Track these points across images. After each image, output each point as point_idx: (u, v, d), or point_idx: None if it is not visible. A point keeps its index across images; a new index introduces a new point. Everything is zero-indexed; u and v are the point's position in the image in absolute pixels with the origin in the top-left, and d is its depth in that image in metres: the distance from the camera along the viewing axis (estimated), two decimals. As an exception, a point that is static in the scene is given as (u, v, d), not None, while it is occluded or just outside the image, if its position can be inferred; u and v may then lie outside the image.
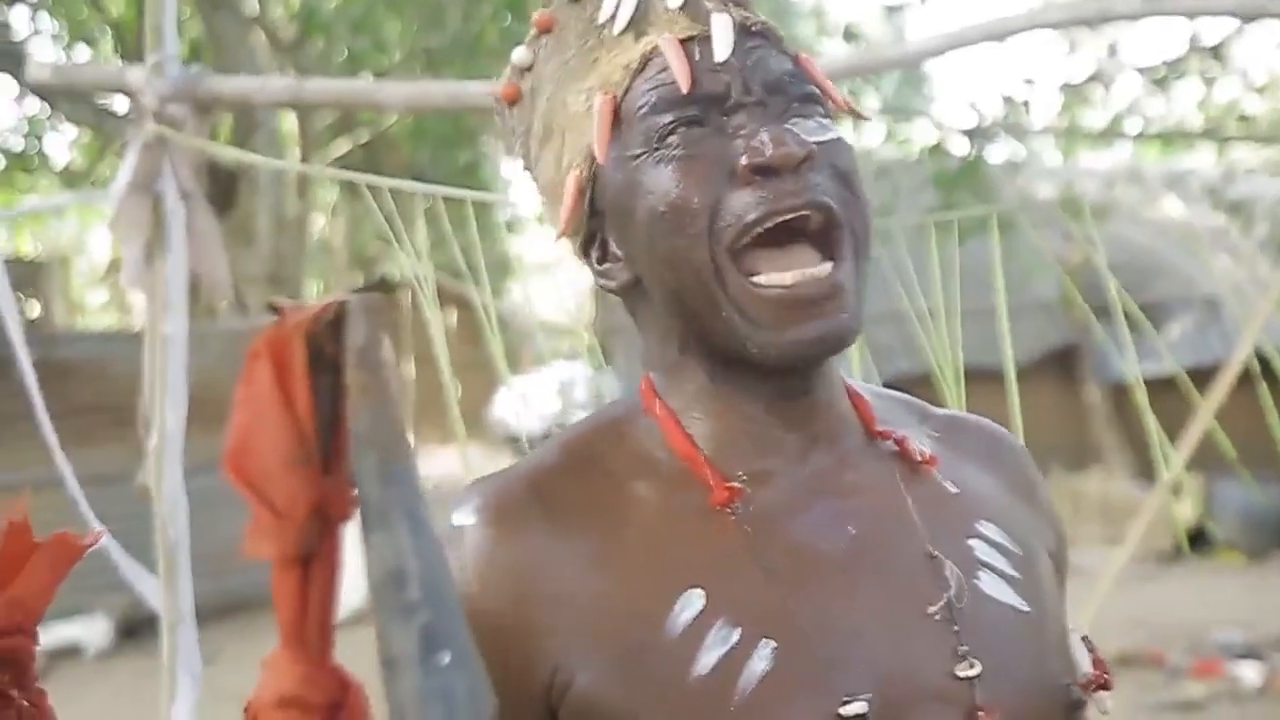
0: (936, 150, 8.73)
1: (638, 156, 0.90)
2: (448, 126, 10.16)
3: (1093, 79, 9.48)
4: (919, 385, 2.22)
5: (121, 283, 2.28)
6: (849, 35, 9.37)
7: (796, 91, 0.91)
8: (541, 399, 11.32)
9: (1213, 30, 8.53)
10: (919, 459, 0.95)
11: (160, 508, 2.16)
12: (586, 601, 0.87)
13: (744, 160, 0.86)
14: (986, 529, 0.95)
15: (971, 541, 0.93)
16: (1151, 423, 1.71)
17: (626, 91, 0.92)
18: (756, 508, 0.90)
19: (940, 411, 1.06)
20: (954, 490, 0.96)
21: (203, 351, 7.20)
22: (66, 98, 8.26)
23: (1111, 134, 9.79)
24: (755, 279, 0.87)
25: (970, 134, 8.70)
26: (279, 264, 8.89)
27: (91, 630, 7.80)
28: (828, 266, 0.87)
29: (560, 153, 0.96)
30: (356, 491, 0.58)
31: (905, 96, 13.88)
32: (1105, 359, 10.35)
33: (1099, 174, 11.97)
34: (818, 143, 0.88)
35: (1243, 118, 9.83)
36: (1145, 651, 6.69)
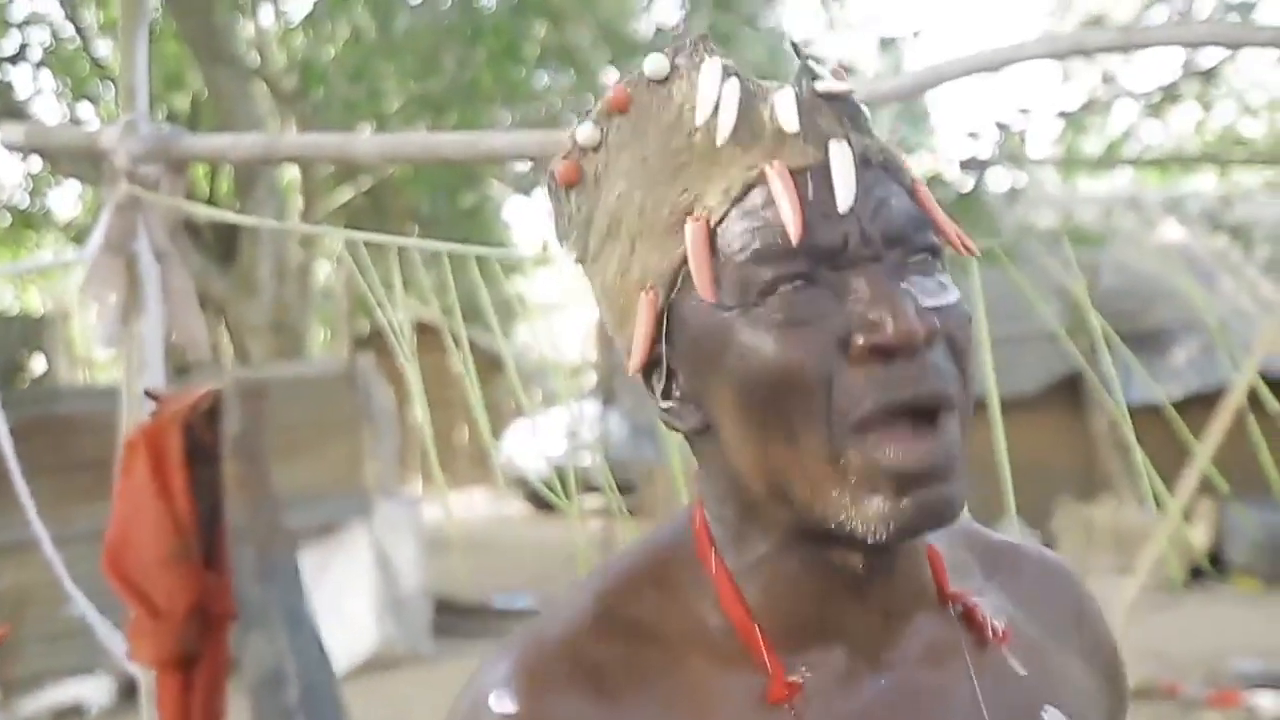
0: (934, 181, 8.76)
1: (730, 309, 0.78)
2: (451, 171, 10.20)
3: (1088, 106, 9.52)
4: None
5: (98, 344, 2.28)
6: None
7: (919, 243, 0.79)
8: (549, 439, 11.31)
9: (1206, 55, 8.58)
10: (990, 635, 0.87)
11: None
12: None
13: (860, 339, 0.75)
14: (1051, 716, 0.87)
15: None
16: (1139, 456, 1.69)
17: (721, 219, 0.79)
18: (817, 701, 0.81)
19: (997, 542, 0.97)
20: (1022, 672, 0.88)
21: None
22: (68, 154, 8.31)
23: (1110, 160, 9.81)
24: (878, 449, 0.76)
25: (966, 165, 8.74)
26: (281, 312, 8.91)
27: (94, 689, 7.76)
28: (942, 439, 0.77)
29: (628, 261, 0.84)
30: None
31: (902, 131, 13.93)
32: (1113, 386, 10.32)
33: (1098, 200, 12.00)
34: (937, 309, 0.78)
35: (1240, 141, 9.86)
36: (1160, 682, 6.62)
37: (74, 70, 10.45)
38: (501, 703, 0.79)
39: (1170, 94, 8.97)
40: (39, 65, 9.37)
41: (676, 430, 0.86)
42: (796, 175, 0.77)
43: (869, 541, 0.77)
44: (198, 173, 10.98)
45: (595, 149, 0.85)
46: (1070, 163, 10.70)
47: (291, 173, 10.90)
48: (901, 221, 0.79)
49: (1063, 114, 9.54)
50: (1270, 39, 2.17)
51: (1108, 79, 9.57)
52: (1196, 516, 9.59)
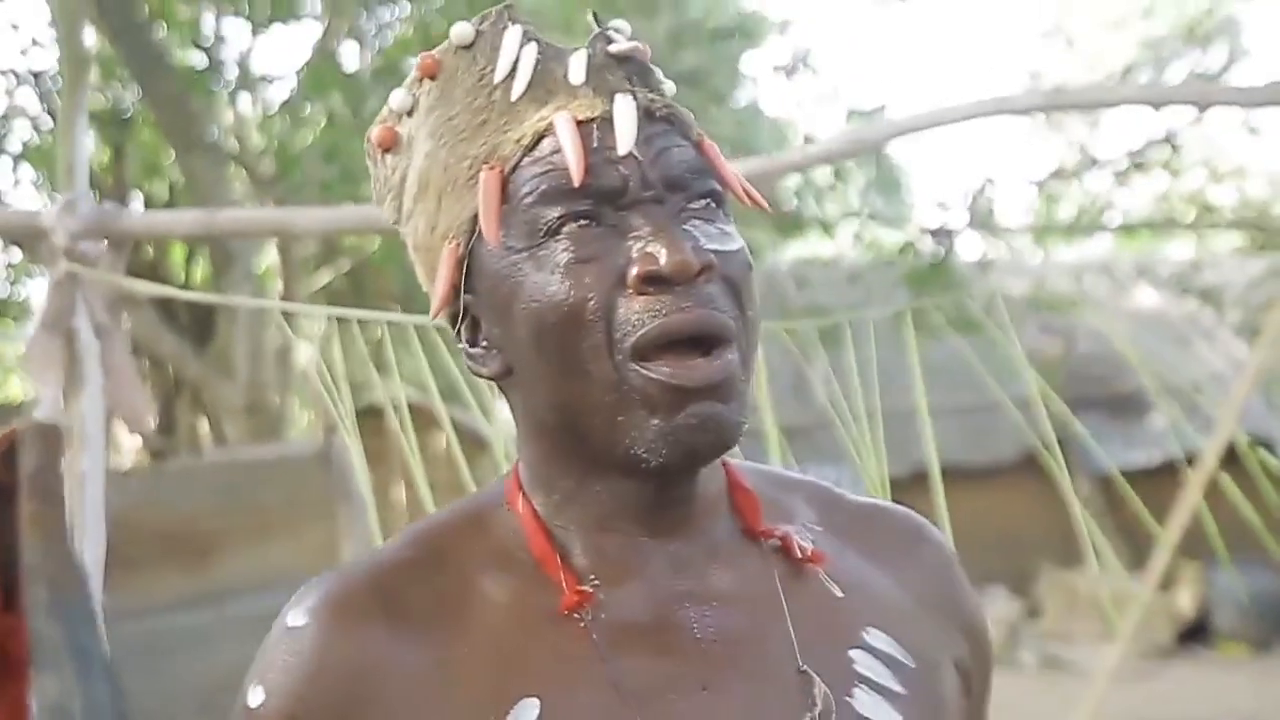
0: (906, 249, 8.85)
1: (520, 251, 0.83)
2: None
3: (1058, 174, 9.66)
4: (907, 485, 2.21)
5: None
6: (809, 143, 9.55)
7: (700, 188, 0.85)
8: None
9: (1169, 121, 8.74)
10: (799, 556, 0.90)
11: None
12: (422, 711, 0.81)
13: (635, 270, 0.81)
14: (874, 638, 0.89)
15: (853, 653, 0.88)
16: (1088, 523, 1.70)
17: (515, 168, 0.85)
18: (611, 615, 0.84)
19: (857, 501, 1.00)
20: (838, 594, 0.90)
21: (186, 486, 7.14)
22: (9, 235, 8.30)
23: (1080, 227, 9.94)
24: (651, 367, 0.81)
25: (936, 233, 8.84)
26: (258, 394, 8.86)
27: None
28: (719, 361, 0.82)
29: (435, 217, 0.89)
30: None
31: (874, 201, 14.09)
32: (1089, 452, 10.35)
33: (1069, 267, 12.13)
34: (717, 251, 0.83)
35: (1207, 207, 10.02)
36: (1150, 749, 6.55)
37: (52, 162, 10.48)
38: (298, 619, 0.84)
39: (1136, 161, 9.12)
40: (18, 158, 9.41)
41: (482, 377, 0.89)
42: (583, 125, 0.83)
43: (653, 465, 0.81)
44: (175, 258, 11.00)
45: (409, 113, 0.91)
46: (1042, 230, 10.82)
47: (271, 256, 10.92)
48: (681, 168, 0.85)
49: (1033, 182, 9.68)
50: (1190, 96, 2.22)
51: (1075, 146, 9.73)
52: (1182, 582, 9.56)
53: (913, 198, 13.12)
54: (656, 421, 0.80)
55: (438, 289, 0.89)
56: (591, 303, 0.81)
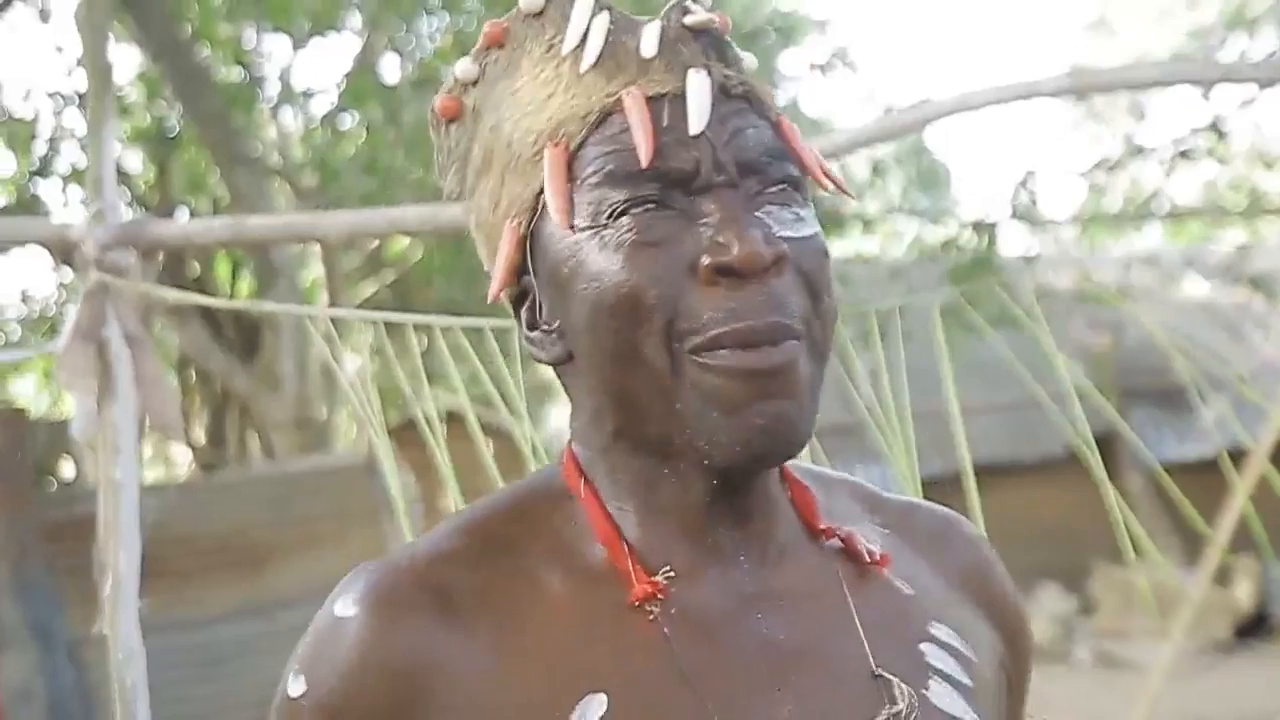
0: (948, 245, 8.78)
1: (583, 231, 0.79)
2: (473, 257, 10.25)
3: (1101, 165, 9.55)
4: (954, 485, 2.18)
5: (73, 433, 2.28)
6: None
7: (776, 174, 0.80)
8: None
9: (1215, 107, 8.61)
10: (868, 560, 0.87)
11: (114, 655, 2.12)
12: (478, 707, 0.78)
13: (706, 260, 0.76)
14: (940, 631, 0.87)
15: (924, 646, 0.86)
16: (1117, 501, 1.66)
17: (581, 145, 0.80)
18: (681, 609, 0.81)
19: (895, 500, 0.97)
20: (908, 591, 0.88)
21: (235, 498, 7.22)
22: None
23: (1127, 218, 9.82)
24: (714, 361, 0.77)
25: (978, 227, 8.76)
26: (304, 407, 8.94)
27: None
28: (788, 353, 0.78)
29: (499, 194, 0.85)
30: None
31: (916, 197, 14.01)
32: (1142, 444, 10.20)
33: (1115, 259, 11.99)
34: (790, 239, 0.79)
35: (1256, 194, 9.86)
36: (1210, 746, 6.45)
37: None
38: (345, 608, 0.81)
39: (1182, 149, 9.00)
40: (67, 179, 9.55)
41: (541, 362, 0.86)
42: (653, 102, 0.79)
43: (718, 462, 0.78)
44: (220, 271, 11.12)
45: (475, 83, 0.87)
46: (1087, 222, 10.70)
47: (316, 270, 11.02)
48: (757, 151, 0.80)
49: (1078, 174, 9.58)
50: (1214, 75, 2.18)
51: (1120, 136, 9.61)
52: (1239, 576, 9.42)
53: (956, 193, 13.04)
54: (718, 416, 0.77)
55: (497, 269, 0.85)
56: (654, 288, 0.77)
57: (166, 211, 10.14)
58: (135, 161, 10.90)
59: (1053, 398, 2.22)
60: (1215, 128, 8.57)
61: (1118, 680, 8.24)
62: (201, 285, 10.14)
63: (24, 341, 10.78)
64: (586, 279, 0.79)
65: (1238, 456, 2.89)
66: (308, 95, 10.16)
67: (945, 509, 0.99)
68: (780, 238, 0.78)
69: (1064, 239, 11.86)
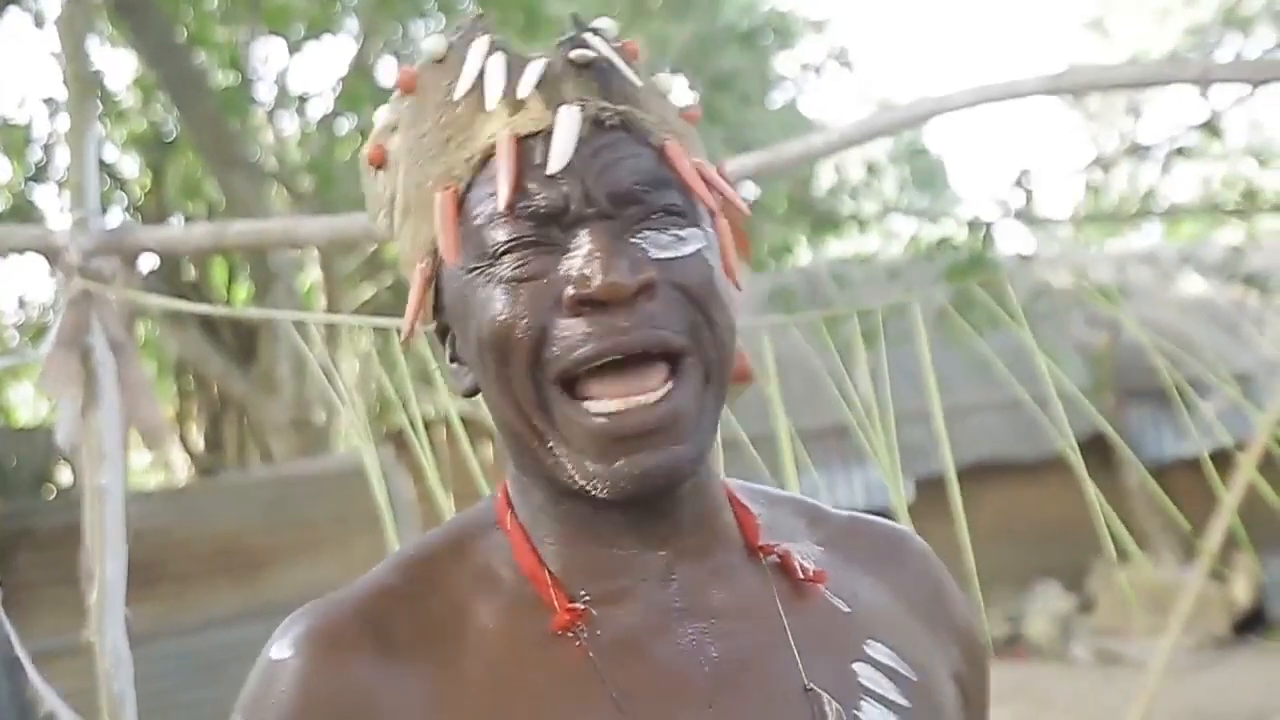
0: (943, 243, 8.78)
1: (470, 271, 0.82)
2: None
3: (1097, 163, 9.56)
4: (948, 483, 2.18)
5: (58, 440, 2.28)
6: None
7: (655, 201, 0.81)
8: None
9: (1211, 105, 8.62)
10: (801, 577, 0.87)
11: (102, 663, 2.12)
12: None
13: (570, 291, 0.77)
14: (876, 651, 0.87)
15: (857, 666, 0.86)
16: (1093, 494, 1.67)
17: (469, 188, 0.82)
18: (607, 632, 0.82)
19: (839, 515, 0.98)
20: (845, 609, 0.88)
21: (234, 503, 7.21)
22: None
23: (1123, 216, 9.83)
24: (586, 404, 0.79)
25: (974, 225, 8.77)
26: (302, 411, 8.94)
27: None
28: (663, 391, 0.79)
29: (414, 235, 0.87)
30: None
31: (912, 196, 14.03)
32: (1141, 443, 10.23)
33: (1113, 258, 12.00)
34: (667, 259, 0.80)
35: (1252, 192, 9.87)
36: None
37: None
38: (282, 651, 0.82)
39: (1178, 147, 9.01)
40: (61, 184, 9.55)
41: (459, 394, 0.88)
42: (526, 141, 0.80)
43: (602, 497, 0.79)
44: (217, 277, 11.12)
45: (394, 130, 0.89)
46: (1084, 220, 10.71)
47: (315, 273, 11.02)
48: (631, 181, 0.80)
49: (1075, 172, 9.59)
50: (1210, 75, 2.18)
51: (1116, 134, 9.62)
52: (1237, 572, 9.42)
53: (953, 192, 13.04)
54: (590, 463, 0.79)
55: (409, 308, 0.87)
56: (523, 322, 0.79)
57: (161, 216, 10.14)
58: (131, 166, 10.90)
59: (1049, 397, 2.22)
60: (1211, 125, 8.58)
61: (1117, 677, 8.25)
62: (198, 290, 10.14)
63: (21, 347, 10.78)
64: (474, 316, 0.81)
65: (1232, 454, 2.88)
66: (304, 99, 10.16)
67: (893, 524, 1.00)
68: (657, 260, 0.79)
69: (1061, 237, 11.87)
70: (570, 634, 0.81)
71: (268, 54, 10.81)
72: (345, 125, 10.17)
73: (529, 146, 0.80)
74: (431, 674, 0.81)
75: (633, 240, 0.80)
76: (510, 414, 0.82)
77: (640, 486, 0.78)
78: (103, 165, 10.36)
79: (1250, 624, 9.43)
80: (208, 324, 9.26)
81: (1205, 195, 10.80)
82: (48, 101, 8.82)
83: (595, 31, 0.85)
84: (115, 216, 10.37)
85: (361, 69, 9.63)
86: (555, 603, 0.82)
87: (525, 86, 0.82)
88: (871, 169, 11.80)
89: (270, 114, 10.44)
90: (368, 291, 11.41)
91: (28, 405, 13.32)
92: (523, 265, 0.79)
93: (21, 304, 11.08)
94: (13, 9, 8.45)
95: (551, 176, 0.79)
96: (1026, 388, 2.31)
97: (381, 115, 0.90)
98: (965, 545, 1.88)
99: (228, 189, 8.76)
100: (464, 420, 2.05)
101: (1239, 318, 11.66)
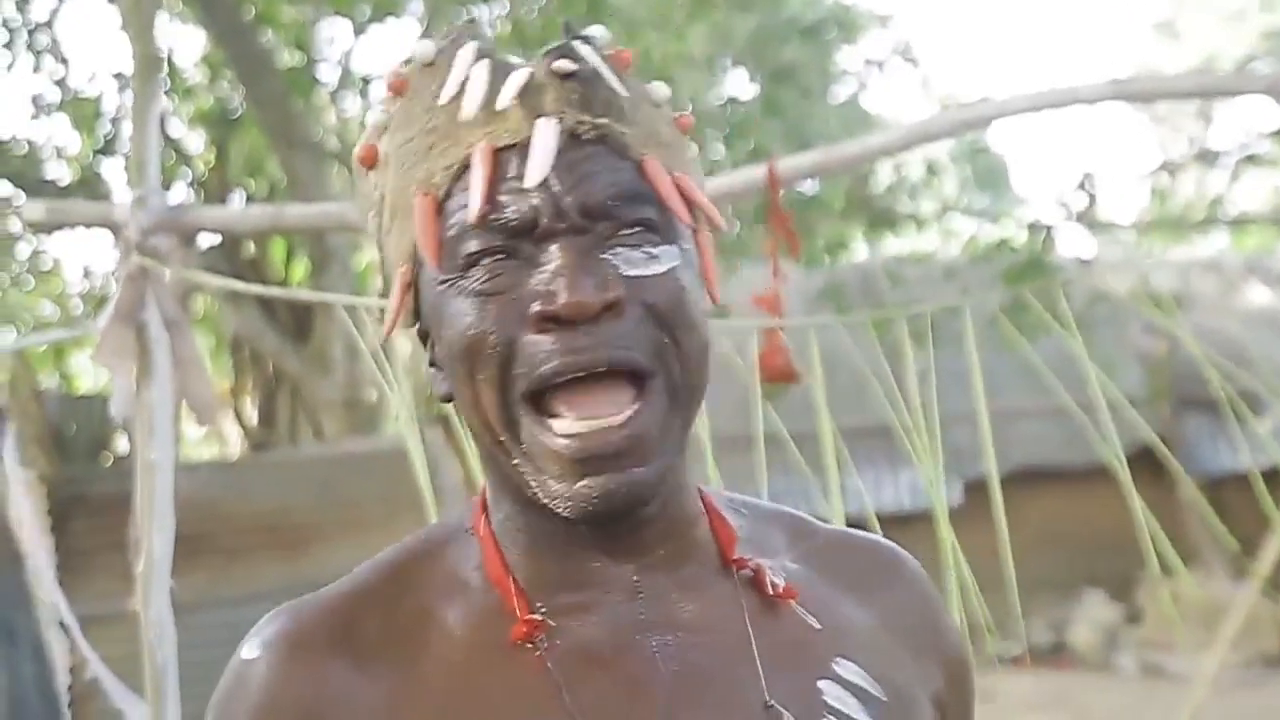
0: (1002, 245, 8.69)
1: (443, 282, 0.82)
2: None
3: (1164, 169, 9.41)
4: (1004, 487, 2.16)
5: (111, 412, 2.31)
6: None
7: (628, 216, 0.80)
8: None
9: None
10: (770, 592, 0.87)
11: (146, 632, 2.15)
12: None
13: (535, 307, 0.78)
14: (845, 669, 0.86)
15: (823, 684, 0.84)
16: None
17: (448, 195, 0.82)
18: (567, 644, 0.82)
19: (827, 530, 0.97)
20: (816, 626, 0.87)
21: (283, 479, 7.29)
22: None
23: (1189, 223, 9.67)
24: (552, 422, 0.79)
25: (1034, 228, 8.67)
26: (354, 390, 9.02)
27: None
28: (627, 414, 0.78)
29: (399, 239, 0.87)
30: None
31: (973, 196, 13.86)
32: (1197, 454, 10.06)
33: (1175, 265, 11.80)
34: (638, 277, 0.79)
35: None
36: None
37: (164, 161, 10.75)
38: (252, 651, 0.84)
39: (1248, 154, 8.84)
40: (129, 157, 9.70)
41: (439, 398, 0.88)
42: (503, 152, 0.80)
43: (565, 514, 0.79)
44: (275, 256, 11.24)
45: (386, 131, 0.88)
46: (1148, 226, 10.54)
47: (371, 254, 11.11)
48: (605, 195, 0.80)
49: (1140, 177, 9.45)
50: (1265, 87, 2.13)
51: (1185, 140, 9.47)
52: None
53: (1014, 193, 12.88)
54: (553, 482, 0.79)
55: (389, 311, 0.88)
56: (492, 336, 0.79)
57: (223, 192, 10.26)
58: (196, 142, 11.04)
59: (1099, 405, 2.18)
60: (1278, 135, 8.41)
61: (1161, 691, 8.13)
62: (256, 267, 10.25)
63: (84, 317, 10.96)
64: (446, 325, 0.82)
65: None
66: (367, 81, 10.23)
67: (887, 543, 0.99)
68: (627, 277, 0.79)
69: (1124, 242, 11.69)
70: (530, 644, 0.82)
71: (333, 35, 10.91)
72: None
73: (505, 158, 0.80)
74: (393, 677, 0.81)
75: (603, 256, 0.79)
76: (479, 426, 0.82)
77: (602, 507, 0.78)
78: (168, 140, 10.50)
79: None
80: (264, 302, 9.36)
81: (1275, 204, 10.59)
82: (117, 76, 8.96)
83: (586, 40, 0.84)
84: (179, 191, 10.51)
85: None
86: (516, 611, 0.82)
87: (505, 98, 0.81)
88: (932, 167, 11.69)
89: (334, 95, 10.53)
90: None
91: (88, 373, 13.56)
92: (493, 279, 0.80)
93: (86, 274, 11.27)
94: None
95: (524, 189, 0.79)
96: (1079, 394, 2.28)
97: (372, 116, 0.90)
98: (1005, 548, 1.86)
99: (289, 168, 8.85)
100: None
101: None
